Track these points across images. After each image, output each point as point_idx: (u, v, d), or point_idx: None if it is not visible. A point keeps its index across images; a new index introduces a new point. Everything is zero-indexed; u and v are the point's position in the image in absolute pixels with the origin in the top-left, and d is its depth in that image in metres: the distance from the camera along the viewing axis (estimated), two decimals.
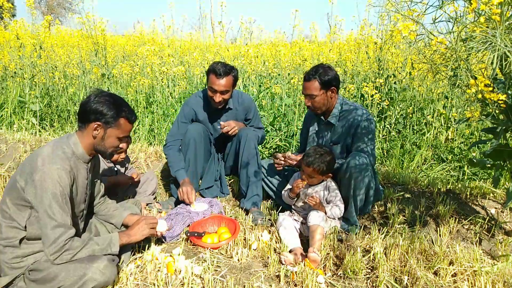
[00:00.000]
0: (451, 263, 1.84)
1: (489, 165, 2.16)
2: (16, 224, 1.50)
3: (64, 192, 1.45)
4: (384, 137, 3.96)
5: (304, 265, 1.74)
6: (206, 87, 2.51)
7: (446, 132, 3.91)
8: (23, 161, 1.55)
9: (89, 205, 1.80)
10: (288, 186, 2.32)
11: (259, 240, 2.02)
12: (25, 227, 1.51)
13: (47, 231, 1.43)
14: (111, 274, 1.51)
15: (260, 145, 2.89)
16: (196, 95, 2.69)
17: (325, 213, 2.09)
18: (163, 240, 2.06)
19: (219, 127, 2.54)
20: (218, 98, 2.45)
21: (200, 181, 2.77)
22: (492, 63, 1.28)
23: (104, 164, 2.40)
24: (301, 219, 2.17)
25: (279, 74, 4.96)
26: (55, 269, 1.45)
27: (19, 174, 1.49)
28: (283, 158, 2.37)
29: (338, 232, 2.11)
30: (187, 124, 2.61)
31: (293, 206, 2.28)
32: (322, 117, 2.36)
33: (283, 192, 2.34)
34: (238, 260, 1.89)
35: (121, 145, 1.64)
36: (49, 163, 1.44)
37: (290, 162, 2.32)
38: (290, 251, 1.93)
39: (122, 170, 2.52)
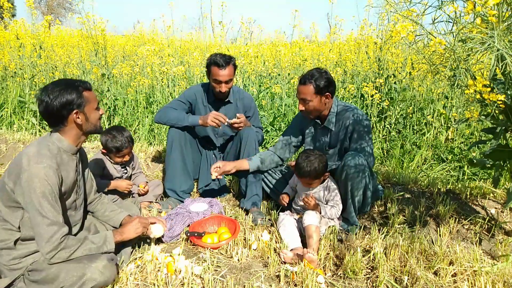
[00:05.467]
0: (451, 263, 1.85)
1: (489, 165, 2.17)
2: (9, 226, 1.50)
3: (53, 190, 1.43)
4: (384, 137, 3.96)
5: (304, 265, 1.74)
6: (210, 80, 2.52)
7: (446, 132, 3.91)
8: (10, 162, 1.54)
9: (85, 201, 1.79)
10: (288, 187, 2.32)
11: (259, 240, 2.03)
12: (19, 227, 1.50)
13: (40, 230, 1.42)
14: (111, 274, 1.51)
15: (259, 146, 2.90)
16: (199, 85, 2.73)
17: (320, 213, 2.10)
18: (163, 240, 2.06)
19: (232, 120, 2.49)
20: (224, 88, 2.49)
21: (196, 182, 2.78)
22: (493, 64, 1.28)
23: (111, 165, 2.41)
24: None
25: (279, 74, 4.97)
26: (54, 270, 1.45)
27: (7, 176, 1.48)
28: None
29: (338, 232, 2.11)
30: (184, 105, 2.63)
31: (293, 206, 2.28)
32: (318, 121, 2.33)
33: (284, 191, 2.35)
34: (238, 260, 1.89)
35: (100, 112, 1.63)
36: (35, 162, 1.42)
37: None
38: (291, 251, 1.93)
39: (130, 170, 2.53)
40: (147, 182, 2.56)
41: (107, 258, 1.51)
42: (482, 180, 3.08)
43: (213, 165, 2.33)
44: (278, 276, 1.75)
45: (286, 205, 2.21)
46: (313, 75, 2.15)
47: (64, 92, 1.49)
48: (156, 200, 2.58)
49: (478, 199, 2.61)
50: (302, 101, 2.20)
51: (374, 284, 1.72)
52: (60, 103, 1.47)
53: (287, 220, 2.13)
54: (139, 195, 2.52)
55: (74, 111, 1.51)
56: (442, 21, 1.49)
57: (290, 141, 2.48)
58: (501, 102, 1.42)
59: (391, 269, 1.80)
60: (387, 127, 4.02)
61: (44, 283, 1.46)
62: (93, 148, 3.57)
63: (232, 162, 2.41)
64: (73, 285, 1.44)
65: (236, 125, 2.47)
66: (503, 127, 1.88)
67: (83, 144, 3.68)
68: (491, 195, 2.67)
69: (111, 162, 2.41)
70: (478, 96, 1.61)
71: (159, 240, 2.06)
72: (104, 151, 2.38)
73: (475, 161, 2.32)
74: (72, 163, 1.60)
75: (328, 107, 2.26)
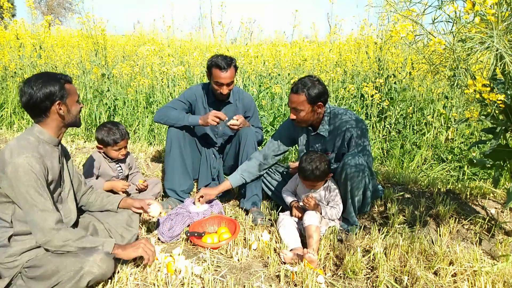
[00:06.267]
0: (451, 263, 1.85)
1: (489, 165, 2.17)
2: (3, 223, 1.51)
3: (38, 178, 1.45)
4: (384, 137, 3.95)
5: (304, 265, 1.74)
6: (211, 82, 2.51)
7: (446, 132, 3.91)
8: None
9: (75, 197, 1.80)
10: (289, 193, 2.33)
11: (259, 240, 2.03)
12: (11, 222, 1.52)
13: (32, 218, 1.44)
14: (108, 267, 1.51)
15: (259, 146, 2.90)
16: (199, 86, 2.72)
17: (321, 213, 2.09)
18: (163, 240, 2.06)
19: (230, 122, 2.49)
20: (225, 90, 2.49)
21: (196, 182, 2.78)
22: (492, 63, 1.28)
23: (106, 165, 2.41)
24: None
25: (279, 74, 4.96)
26: (52, 266, 1.46)
27: None
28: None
29: (338, 232, 2.11)
30: (184, 105, 2.63)
31: None
32: (310, 128, 2.31)
33: (282, 191, 2.35)
34: (238, 260, 1.90)
35: (80, 106, 1.66)
36: (17, 154, 1.45)
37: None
38: (290, 251, 1.93)
39: (125, 169, 2.53)
40: (145, 180, 2.56)
41: (104, 252, 1.51)
42: (482, 180, 3.08)
43: (196, 195, 2.36)
44: (278, 276, 1.75)
45: (300, 215, 2.17)
46: (306, 83, 2.09)
47: (47, 83, 1.52)
48: (155, 199, 2.58)
49: (478, 199, 2.61)
50: (293, 110, 2.15)
51: (374, 284, 1.72)
52: (44, 94, 1.51)
53: (287, 220, 2.13)
54: (139, 191, 2.51)
55: (57, 102, 1.54)
56: (442, 21, 1.49)
57: (278, 149, 2.44)
58: (501, 102, 1.42)
59: (391, 269, 1.80)
60: (387, 127, 4.02)
61: (42, 279, 1.47)
62: (93, 148, 3.57)
63: (214, 188, 2.43)
64: (70, 280, 1.45)
65: (233, 126, 2.47)
66: (503, 127, 1.88)
67: (83, 144, 3.69)
68: (491, 195, 2.67)
69: (107, 161, 2.41)
70: (478, 96, 1.61)
71: (159, 240, 2.06)
72: (100, 146, 2.37)
73: (475, 161, 2.32)
74: (55, 154, 1.62)
75: (320, 115, 2.22)
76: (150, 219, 2.25)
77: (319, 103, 2.13)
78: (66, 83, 1.58)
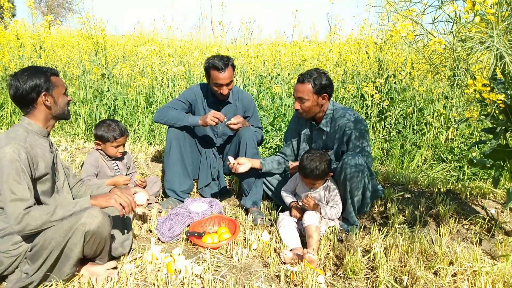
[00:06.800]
0: (451, 263, 1.85)
1: (489, 165, 2.17)
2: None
3: (20, 166, 1.47)
4: (384, 137, 3.95)
5: (304, 265, 1.74)
6: (211, 83, 2.51)
7: (446, 132, 3.91)
8: None
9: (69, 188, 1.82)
10: (289, 193, 2.33)
11: (259, 240, 2.03)
12: None
13: (7, 205, 1.46)
14: (103, 219, 1.53)
15: (259, 146, 2.90)
16: (198, 86, 2.72)
17: (321, 213, 2.09)
18: (163, 240, 2.06)
19: (229, 122, 2.48)
20: (225, 90, 2.50)
21: (196, 182, 2.78)
22: (492, 63, 1.28)
23: (104, 163, 2.41)
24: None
25: (279, 74, 4.96)
26: (50, 234, 1.48)
27: None
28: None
29: (338, 232, 2.11)
30: (184, 105, 2.63)
31: None
32: (313, 123, 2.34)
33: (282, 190, 2.35)
34: (238, 260, 1.89)
35: (68, 98, 1.70)
36: (5, 144, 1.49)
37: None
38: (290, 251, 1.93)
39: (123, 168, 2.53)
40: (143, 178, 2.55)
41: (96, 207, 1.54)
42: (482, 180, 3.08)
43: (235, 161, 2.33)
44: (278, 276, 1.75)
45: (299, 216, 2.17)
46: (312, 74, 2.15)
47: (32, 76, 1.57)
48: (155, 197, 2.57)
49: (478, 199, 2.61)
50: (298, 99, 2.19)
51: (374, 284, 1.72)
52: (30, 86, 1.56)
53: (286, 220, 2.13)
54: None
55: (43, 93, 1.59)
56: (442, 21, 1.49)
57: (293, 151, 2.49)
58: (501, 101, 1.42)
59: (391, 269, 1.80)
60: (387, 127, 4.01)
61: (42, 250, 1.50)
62: (93, 148, 3.57)
63: (248, 159, 2.39)
64: (66, 235, 1.47)
65: (232, 126, 2.47)
66: (503, 127, 1.88)
67: (83, 144, 3.68)
68: (491, 195, 2.67)
69: (105, 160, 2.41)
70: (478, 95, 1.61)
71: (159, 240, 2.06)
72: (98, 142, 2.37)
73: (475, 161, 2.32)
74: (46, 144, 1.65)
75: (324, 109, 2.25)
76: (148, 217, 2.25)
77: (324, 94, 2.17)
78: (52, 75, 1.62)
